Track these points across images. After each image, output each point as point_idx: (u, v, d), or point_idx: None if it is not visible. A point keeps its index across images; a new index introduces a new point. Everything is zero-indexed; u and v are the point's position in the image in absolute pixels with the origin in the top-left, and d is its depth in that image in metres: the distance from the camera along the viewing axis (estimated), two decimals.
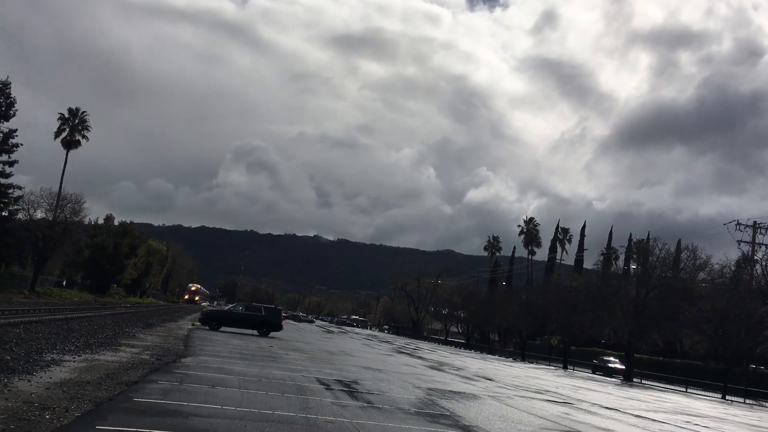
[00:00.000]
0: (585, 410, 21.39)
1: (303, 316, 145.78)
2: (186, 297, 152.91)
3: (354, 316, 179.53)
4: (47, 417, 9.53)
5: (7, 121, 61.76)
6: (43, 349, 18.03)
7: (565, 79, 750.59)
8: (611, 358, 62.80)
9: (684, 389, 50.68)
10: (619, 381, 51.89)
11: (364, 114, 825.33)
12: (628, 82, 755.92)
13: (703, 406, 34.20)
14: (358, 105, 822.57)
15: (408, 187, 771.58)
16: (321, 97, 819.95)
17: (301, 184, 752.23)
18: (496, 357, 75.13)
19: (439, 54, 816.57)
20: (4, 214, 62.66)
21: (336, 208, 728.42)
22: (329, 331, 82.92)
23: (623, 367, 58.33)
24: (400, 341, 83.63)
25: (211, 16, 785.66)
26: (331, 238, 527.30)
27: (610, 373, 57.12)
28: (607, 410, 22.52)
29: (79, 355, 18.07)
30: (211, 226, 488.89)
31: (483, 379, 30.06)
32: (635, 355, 58.45)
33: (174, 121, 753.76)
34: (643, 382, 54.47)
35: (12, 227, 63.93)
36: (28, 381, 12.57)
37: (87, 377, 14.08)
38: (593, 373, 57.66)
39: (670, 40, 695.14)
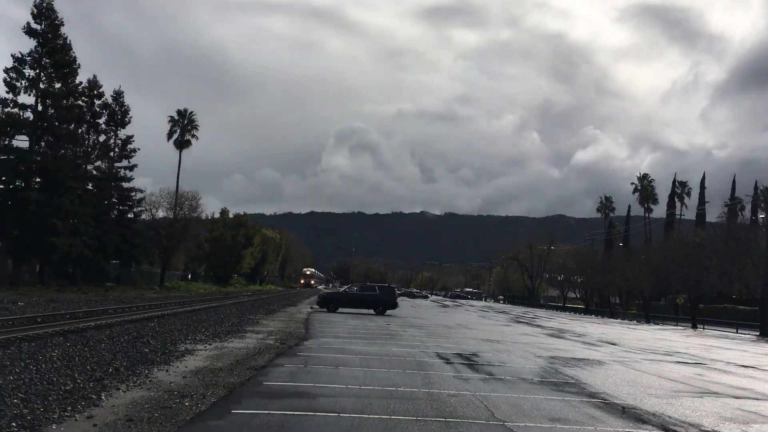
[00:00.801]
0: (719, 370, 20.41)
1: (417, 292, 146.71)
2: (302, 282, 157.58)
3: (467, 289, 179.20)
4: (186, 404, 10.10)
5: (124, 128, 65.75)
6: (176, 340, 19.11)
7: (673, 24, 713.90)
8: None
9: None
10: (754, 338, 49.09)
11: (461, 84, 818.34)
12: (742, 20, 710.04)
13: None
14: (454, 76, 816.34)
15: (512, 154, 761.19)
16: (416, 72, 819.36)
17: (404, 162, 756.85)
18: (618, 320, 72.90)
19: (532, 14, 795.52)
20: (129, 216, 66.86)
21: (440, 182, 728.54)
22: (444, 306, 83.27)
23: None
24: (517, 311, 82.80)
25: (302, 4, 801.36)
26: (437, 212, 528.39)
27: None
28: (743, 368, 21.39)
29: (209, 344, 19.02)
30: (319, 211, 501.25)
31: (606, 344, 29.26)
32: None
33: (275, 111, 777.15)
34: None
35: (138, 228, 68.20)
36: (166, 371, 13.38)
37: (219, 364, 14.81)
38: None
39: None
